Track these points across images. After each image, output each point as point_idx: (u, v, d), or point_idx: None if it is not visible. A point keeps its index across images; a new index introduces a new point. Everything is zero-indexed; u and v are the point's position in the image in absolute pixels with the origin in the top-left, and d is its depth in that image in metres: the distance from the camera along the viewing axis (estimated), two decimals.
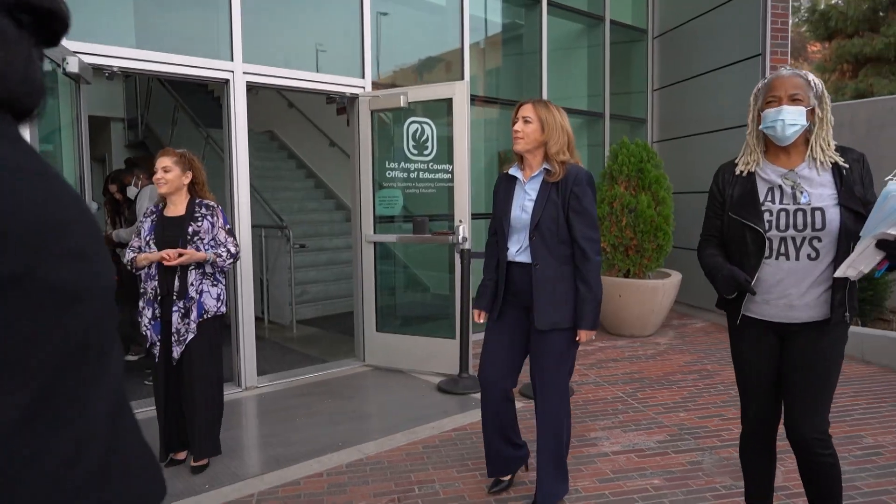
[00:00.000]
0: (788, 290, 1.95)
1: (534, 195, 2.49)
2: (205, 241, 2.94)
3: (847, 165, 1.93)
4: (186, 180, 2.95)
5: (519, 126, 2.51)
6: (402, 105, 4.46)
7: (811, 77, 1.96)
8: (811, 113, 1.94)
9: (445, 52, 5.68)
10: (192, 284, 2.90)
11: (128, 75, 10.39)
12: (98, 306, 0.55)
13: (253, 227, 7.09)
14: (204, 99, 12.19)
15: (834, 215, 1.86)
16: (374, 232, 4.79)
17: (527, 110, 2.51)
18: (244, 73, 4.16)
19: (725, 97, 6.04)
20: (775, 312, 2.00)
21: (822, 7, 15.38)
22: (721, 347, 5.21)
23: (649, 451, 3.20)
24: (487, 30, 6.25)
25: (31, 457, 0.46)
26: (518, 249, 2.54)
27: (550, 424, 2.53)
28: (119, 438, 0.54)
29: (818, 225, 1.88)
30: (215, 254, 2.93)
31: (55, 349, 0.49)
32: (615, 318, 5.61)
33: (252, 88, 4.33)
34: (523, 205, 2.53)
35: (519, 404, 3.06)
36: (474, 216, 4.77)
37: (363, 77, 4.78)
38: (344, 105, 4.83)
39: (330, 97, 4.73)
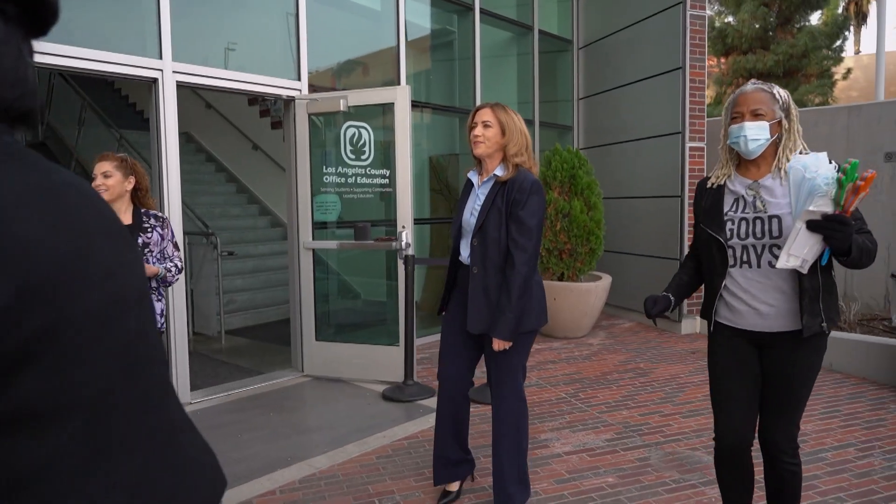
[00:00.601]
0: (755, 298, 1.98)
1: (482, 200, 2.51)
2: (154, 254, 2.76)
3: None
4: (129, 186, 2.75)
5: (479, 130, 2.49)
6: (342, 109, 4.37)
7: (776, 90, 1.98)
8: (777, 125, 1.98)
9: (380, 57, 5.63)
10: None
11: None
12: (134, 316, 0.53)
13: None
14: (113, 98, 11.47)
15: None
16: (313, 238, 4.66)
17: (486, 114, 2.50)
18: (174, 72, 3.94)
19: (647, 108, 6.35)
20: (746, 321, 2.01)
21: (719, 25, 16.51)
22: (650, 347, 5.46)
23: (599, 449, 3.29)
24: (422, 35, 6.25)
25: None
26: (466, 254, 2.56)
27: (508, 427, 2.54)
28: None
29: (775, 233, 1.93)
30: (165, 268, 2.76)
31: (99, 376, 0.48)
32: (550, 320, 5.73)
33: (179, 89, 4.11)
34: (473, 208, 2.54)
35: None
36: (416, 221, 4.75)
37: (299, 79, 4.65)
38: (280, 119, 4.68)
39: (253, 99, 4.55)
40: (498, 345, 2.41)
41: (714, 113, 14.06)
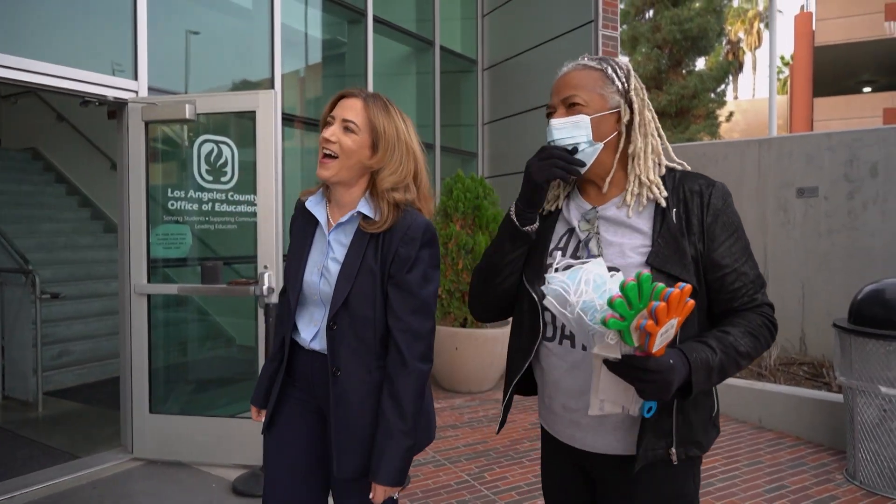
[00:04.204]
0: (571, 395, 1.27)
1: (341, 254, 1.54)
2: None
3: (673, 201, 1.23)
4: None
5: (333, 131, 1.49)
6: (187, 116, 3.42)
7: (611, 63, 1.28)
8: (612, 119, 1.26)
9: (253, 65, 4.72)
10: None
11: None
12: None
13: None
14: None
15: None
16: (148, 280, 3.63)
17: (352, 108, 1.51)
18: None
19: None
20: (562, 430, 1.32)
21: None
22: None
23: None
24: (305, 44, 5.41)
25: None
26: (313, 335, 1.58)
27: None
28: None
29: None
30: None
31: None
32: (451, 373, 4.96)
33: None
34: (323, 266, 1.55)
35: None
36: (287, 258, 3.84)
37: (135, 78, 3.65)
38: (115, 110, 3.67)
39: (86, 100, 3.51)
40: (381, 493, 1.46)
41: None
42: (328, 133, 1.50)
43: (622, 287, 0.97)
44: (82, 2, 3.55)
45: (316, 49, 5.56)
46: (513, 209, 1.34)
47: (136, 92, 3.63)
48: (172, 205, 3.79)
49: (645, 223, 1.24)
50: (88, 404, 4.88)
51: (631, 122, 1.27)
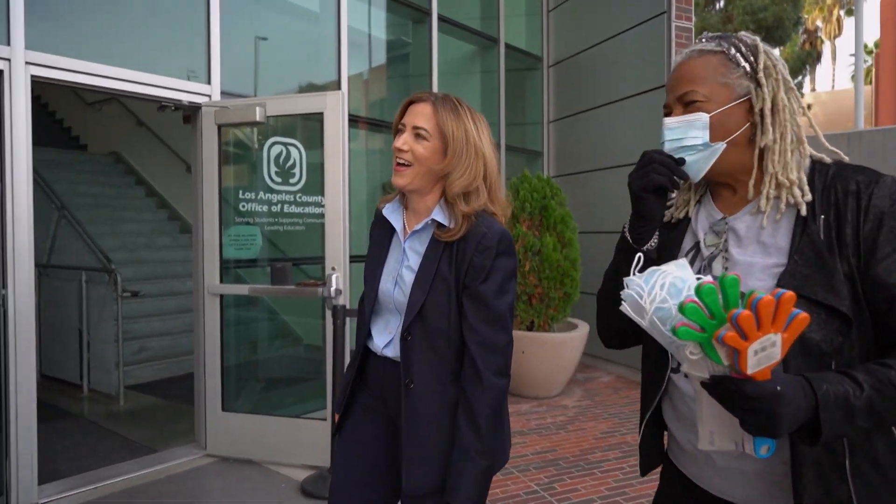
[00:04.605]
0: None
1: (416, 263, 1.50)
2: None
3: (821, 205, 1.00)
4: None
5: (405, 140, 1.46)
6: (257, 119, 3.47)
7: (733, 42, 1.07)
8: (742, 110, 1.05)
9: (320, 67, 4.77)
10: None
11: None
12: None
13: (72, 269, 5.75)
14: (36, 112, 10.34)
15: None
16: (221, 281, 3.70)
17: (422, 114, 1.46)
18: (28, 63, 2.98)
19: (629, 130, 5.61)
20: (692, 467, 1.12)
21: None
22: (635, 409, 4.60)
23: None
24: (371, 46, 5.43)
25: None
26: (387, 342, 1.55)
27: None
28: None
29: None
30: None
31: None
32: (518, 377, 4.85)
33: (42, 89, 3.15)
34: (398, 274, 1.52)
35: None
36: (354, 259, 3.84)
37: (209, 83, 3.73)
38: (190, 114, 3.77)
39: (163, 105, 3.62)
40: None
41: None
42: (400, 142, 1.46)
43: (697, 290, 0.82)
44: (159, 10, 3.66)
45: (381, 50, 5.57)
46: (626, 223, 1.18)
47: (210, 96, 3.72)
48: (243, 206, 3.86)
49: (783, 236, 1.02)
50: (165, 399, 5.05)
51: (771, 111, 1.04)
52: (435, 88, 5.45)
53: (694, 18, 5.36)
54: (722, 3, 17.16)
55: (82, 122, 9.80)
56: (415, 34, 5.69)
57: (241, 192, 3.89)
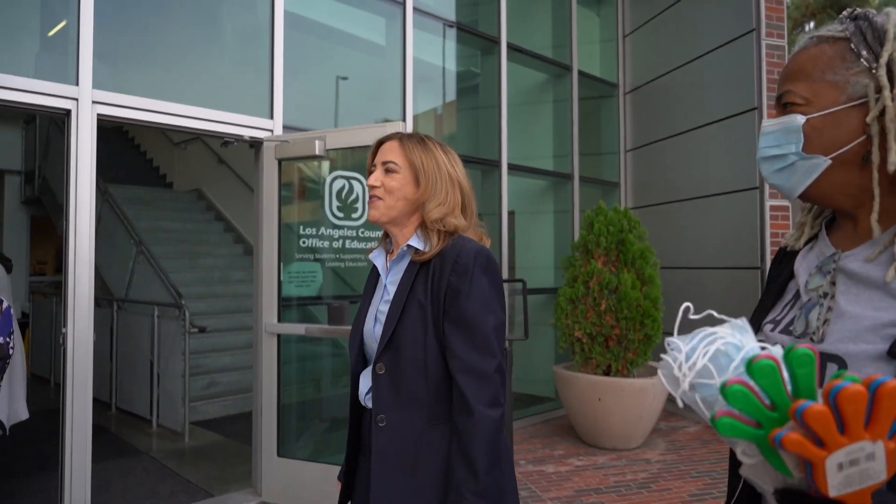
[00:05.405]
0: None
1: (393, 291, 1.41)
2: None
3: None
4: None
5: (376, 176, 1.44)
6: (317, 152, 3.37)
7: (860, 27, 0.81)
8: (860, 115, 0.79)
9: (386, 101, 4.69)
10: None
11: (28, 120, 9.16)
12: None
13: (143, 303, 5.88)
14: (131, 154, 10.98)
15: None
16: (279, 319, 3.59)
17: (390, 150, 1.45)
18: (95, 102, 3.02)
19: (713, 158, 5.19)
20: None
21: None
22: (727, 467, 4.09)
23: None
24: (438, 77, 5.33)
25: None
26: (367, 389, 1.42)
27: None
28: None
29: None
30: None
31: None
32: (594, 426, 4.46)
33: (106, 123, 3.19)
34: (377, 311, 1.44)
35: None
36: None
37: (271, 117, 3.69)
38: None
39: (226, 140, 3.60)
40: None
41: None
42: (371, 179, 1.45)
43: (749, 366, 0.58)
44: (223, 46, 3.67)
45: (448, 81, 5.45)
46: None
47: (272, 131, 3.67)
48: (304, 242, 3.76)
49: None
50: (228, 437, 4.99)
51: (883, 116, 0.78)
52: (504, 120, 5.26)
53: (786, 36, 4.93)
54: (812, 25, 16.23)
55: (169, 161, 10.30)
56: (483, 64, 5.55)
57: (302, 227, 3.80)
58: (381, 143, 1.49)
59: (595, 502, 3.55)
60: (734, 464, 0.93)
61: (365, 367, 1.47)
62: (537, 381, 5.75)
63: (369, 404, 1.40)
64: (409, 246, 1.41)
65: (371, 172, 1.48)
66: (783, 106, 0.85)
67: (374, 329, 1.42)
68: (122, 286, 6.49)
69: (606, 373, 4.50)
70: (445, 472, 1.28)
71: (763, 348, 0.63)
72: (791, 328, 0.85)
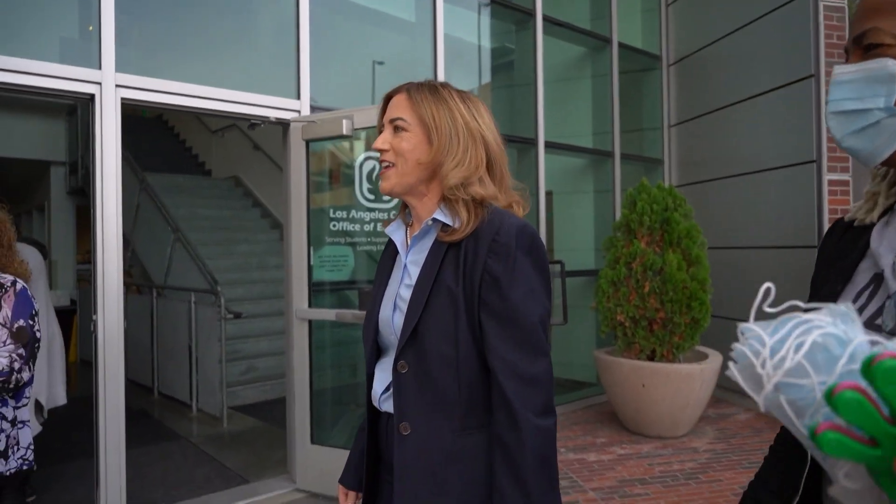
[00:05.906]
0: None
1: (417, 273, 1.17)
2: None
3: None
4: None
5: (384, 138, 1.19)
6: (344, 132, 3.26)
7: None
8: None
9: (416, 79, 4.53)
10: None
11: (71, 111, 9.35)
12: None
13: (181, 290, 5.92)
14: (170, 142, 11.13)
15: None
16: (310, 305, 3.52)
17: (398, 105, 1.19)
18: (118, 85, 2.96)
19: (765, 131, 4.88)
20: None
21: None
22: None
23: None
24: (472, 53, 5.14)
25: None
26: (384, 388, 1.20)
27: None
28: None
29: None
30: None
31: None
32: (637, 413, 4.27)
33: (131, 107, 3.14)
34: (397, 295, 1.19)
35: None
36: None
37: (298, 98, 3.59)
38: None
39: (253, 123, 3.52)
40: None
41: None
42: (379, 142, 1.19)
43: (866, 366, 0.44)
44: (247, 27, 3.58)
45: (482, 58, 5.26)
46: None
47: (299, 111, 3.57)
48: (335, 226, 3.67)
49: None
50: (267, 422, 4.99)
51: None
52: (541, 96, 5.05)
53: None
54: None
55: (208, 149, 10.39)
56: (518, 39, 5.33)
57: (332, 210, 3.71)
58: (388, 97, 1.24)
59: (640, 493, 3.39)
60: (793, 465, 0.77)
61: (380, 358, 1.26)
62: (577, 365, 5.58)
63: (385, 408, 1.20)
64: (434, 220, 1.17)
65: (380, 133, 1.23)
66: (864, 49, 0.68)
67: (392, 318, 1.18)
68: (161, 273, 6.56)
69: (651, 358, 4.30)
70: (482, 489, 1.09)
71: (873, 343, 0.48)
72: (878, 322, 0.68)
